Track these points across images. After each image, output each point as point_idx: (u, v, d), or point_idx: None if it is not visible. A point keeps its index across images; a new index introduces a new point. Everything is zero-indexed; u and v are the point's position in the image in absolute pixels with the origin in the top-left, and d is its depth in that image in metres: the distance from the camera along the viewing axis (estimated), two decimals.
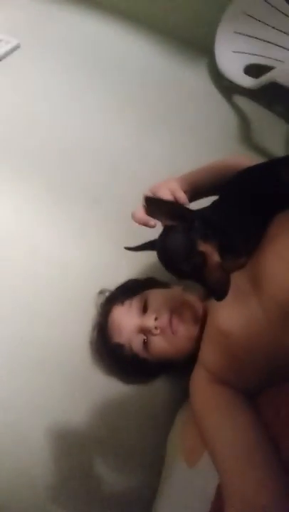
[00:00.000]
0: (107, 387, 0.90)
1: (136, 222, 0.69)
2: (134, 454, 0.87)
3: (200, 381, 0.73)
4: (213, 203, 0.74)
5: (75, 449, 0.85)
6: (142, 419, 0.90)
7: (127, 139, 1.19)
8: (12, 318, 0.93)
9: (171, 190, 0.71)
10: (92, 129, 1.18)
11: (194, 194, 0.77)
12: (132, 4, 1.34)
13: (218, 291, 0.59)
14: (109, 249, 1.03)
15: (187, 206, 0.71)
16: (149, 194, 0.71)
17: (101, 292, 0.95)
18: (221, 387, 0.70)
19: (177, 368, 0.88)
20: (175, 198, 0.70)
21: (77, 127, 1.17)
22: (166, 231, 0.63)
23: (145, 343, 0.82)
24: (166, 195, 0.70)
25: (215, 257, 0.59)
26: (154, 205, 0.63)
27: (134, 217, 0.69)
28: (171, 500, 0.72)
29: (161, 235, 0.64)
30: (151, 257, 0.71)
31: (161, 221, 0.64)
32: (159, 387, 0.93)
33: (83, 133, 1.16)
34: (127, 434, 0.88)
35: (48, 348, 0.92)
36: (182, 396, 0.86)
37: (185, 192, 0.73)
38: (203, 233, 0.60)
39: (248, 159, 0.78)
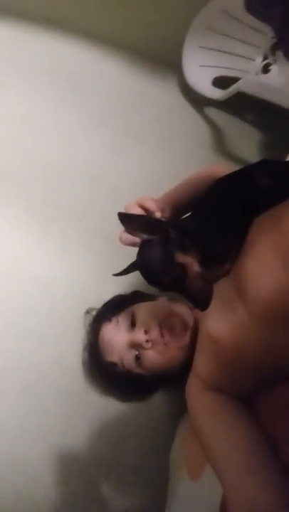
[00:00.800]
0: (104, 405, 0.90)
1: (124, 244, 0.68)
2: (137, 472, 0.86)
3: (194, 390, 0.73)
4: (192, 213, 0.75)
5: (75, 472, 0.83)
6: (141, 436, 0.89)
7: (105, 156, 1.21)
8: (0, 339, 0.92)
9: (139, 204, 0.70)
10: (69, 149, 1.19)
11: (176, 212, 0.78)
12: (100, 26, 1.37)
13: (200, 301, 0.59)
14: (94, 265, 1.03)
15: (162, 219, 0.71)
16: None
17: (88, 312, 0.94)
18: (214, 394, 0.69)
19: (173, 381, 0.87)
20: (145, 207, 0.70)
21: (55, 148, 1.18)
22: (143, 245, 0.63)
23: (138, 358, 0.82)
24: (135, 209, 0.70)
25: (195, 267, 0.59)
26: (128, 221, 0.63)
27: (121, 240, 0.68)
28: None
29: (139, 250, 0.63)
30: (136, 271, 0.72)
31: (140, 236, 0.63)
32: (157, 402, 0.92)
33: (61, 153, 1.17)
34: (128, 452, 0.87)
35: (39, 368, 0.90)
36: (181, 409, 0.86)
37: (163, 211, 0.72)
38: (180, 244, 0.60)
39: (225, 167, 0.79)
